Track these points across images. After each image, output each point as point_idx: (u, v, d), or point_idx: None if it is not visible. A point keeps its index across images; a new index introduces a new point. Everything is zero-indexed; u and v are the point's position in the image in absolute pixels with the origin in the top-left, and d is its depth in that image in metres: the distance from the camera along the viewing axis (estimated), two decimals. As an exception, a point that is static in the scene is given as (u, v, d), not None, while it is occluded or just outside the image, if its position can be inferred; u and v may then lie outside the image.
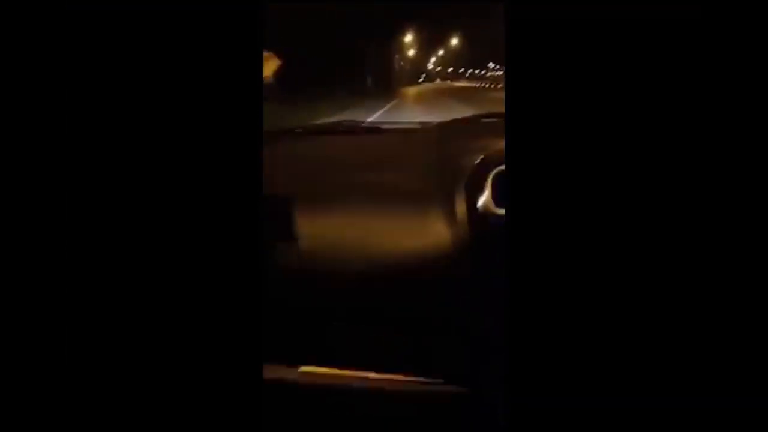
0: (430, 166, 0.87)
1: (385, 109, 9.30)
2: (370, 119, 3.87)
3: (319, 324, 0.80)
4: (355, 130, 1.14)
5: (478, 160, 0.81)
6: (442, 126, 1.12)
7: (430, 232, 0.77)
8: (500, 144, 0.83)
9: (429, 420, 0.77)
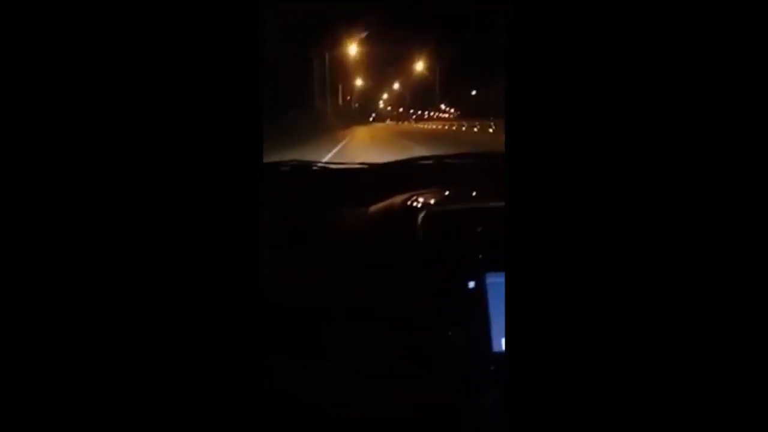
0: (368, 205, 0.94)
1: (337, 148, 9.27)
2: (325, 159, 3.74)
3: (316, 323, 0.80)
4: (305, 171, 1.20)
5: (410, 201, 0.89)
6: (382, 167, 1.20)
7: (365, 275, 0.80)
8: (430, 186, 0.97)
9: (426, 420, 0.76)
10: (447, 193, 0.98)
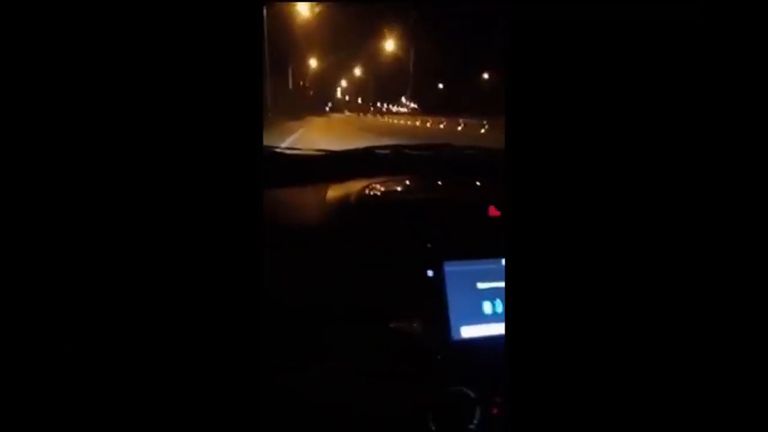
0: (324, 192, 0.92)
1: (294, 136, 8.84)
2: (284, 145, 3.30)
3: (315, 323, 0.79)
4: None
5: (367, 189, 0.88)
6: (340, 153, 1.18)
7: (323, 262, 0.79)
8: (388, 175, 0.96)
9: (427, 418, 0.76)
10: (404, 182, 0.95)
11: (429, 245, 0.76)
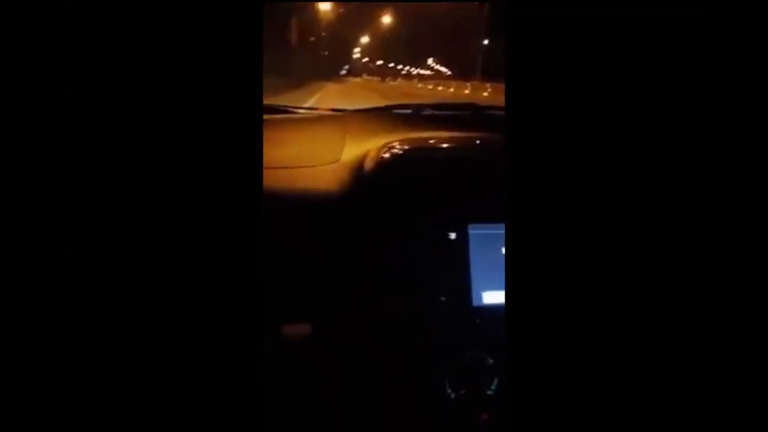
0: (340, 152, 0.89)
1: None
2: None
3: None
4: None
5: (386, 148, 0.84)
6: (354, 113, 1.15)
7: (341, 224, 0.78)
8: (409, 132, 0.92)
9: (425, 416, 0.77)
10: (425, 141, 0.93)
11: (461, 206, 0.74)
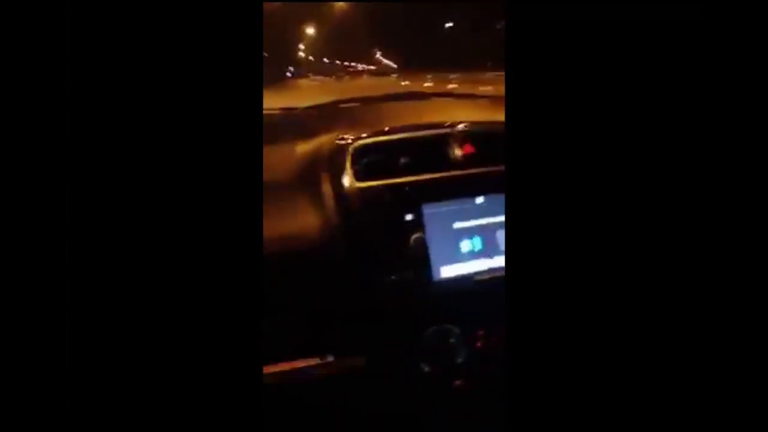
0: (293, 149, 0.92)
1: None
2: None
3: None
4: None
5: (338, 140, 0.87)
6: (304, 111, 1.17)
7: (300, 217, 0.80)
8: (357, 124, 0.95)
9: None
10: (374, 130, 0.94)
11: (411, 188, 0.77)
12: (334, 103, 1.23)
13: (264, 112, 1.11)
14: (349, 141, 0.86)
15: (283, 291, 0.75)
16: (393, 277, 0.75)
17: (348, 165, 0.81)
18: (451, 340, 0.77)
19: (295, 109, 1.19)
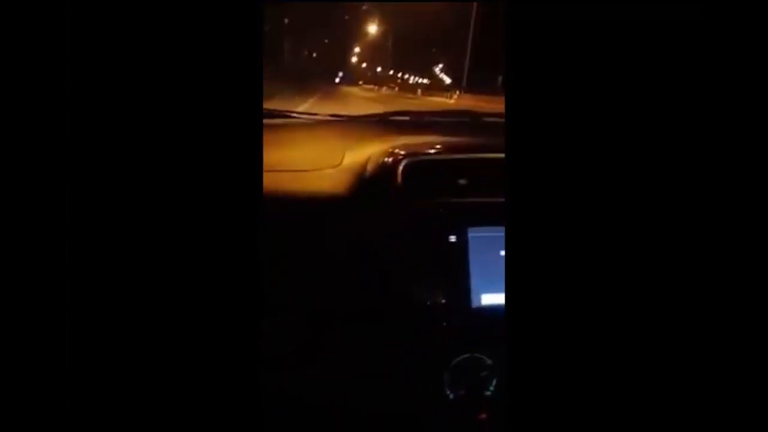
0: (341, 157, 0.90)
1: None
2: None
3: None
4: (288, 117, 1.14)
5: (389, 152, 0.85)
6: (354, 120, 1.17)
7: (341, 226, 0.78)
8: (409, 139, 0.93)
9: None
10: (426, 146, 0.93)
11: (462, 210, 0.75)
12: (385, 115, 1.20)
13: (319, 117, 1.15)
14: (400, 156, 0.83)
15: (317, 299, 0.74)
16: (428, 302, 0.73)
17: (397, 181, 0.79)
18: (483, 373, 0.74)
19: (344, 117, 1.16)
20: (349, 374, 0.74)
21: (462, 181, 0.79)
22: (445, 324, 0.71)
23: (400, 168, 0.79)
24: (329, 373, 0.73)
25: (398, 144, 0.89)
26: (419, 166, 0.82)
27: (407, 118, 1.18)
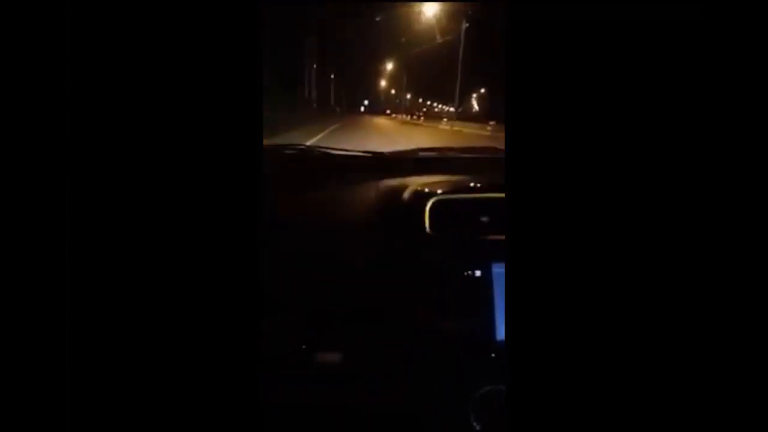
0: (372, 193, 0.95)
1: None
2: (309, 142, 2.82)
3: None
4: (307, 154, 1.19)
5: (418, 190, 0.89)
6: (387, 156, 1.21)
7: (366, 257, 0.82)
8: (438, 177, 0.98)
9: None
10: (452, 183, 0.96)
11: (486, 246, 0.77)
12: (413, 151, 1.26)
13: (349, 152, 1.17)
14: (426, 193, 0.86)
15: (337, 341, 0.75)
16: (453, 334, 0.75)
17: (425, 219, 0.81)
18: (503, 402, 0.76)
19: (378, 153, 1.19)
20: (349, 375, 0.74)
21: (484, 219, 0.81)
22: (469, 356, 0.73)
23: (427, 207, 0.82)
24: (329, 373, 0.74)
25: (427, 181, 0.93)
26: (446, 204, 0.84)
27: (433, 153, 1.25)
